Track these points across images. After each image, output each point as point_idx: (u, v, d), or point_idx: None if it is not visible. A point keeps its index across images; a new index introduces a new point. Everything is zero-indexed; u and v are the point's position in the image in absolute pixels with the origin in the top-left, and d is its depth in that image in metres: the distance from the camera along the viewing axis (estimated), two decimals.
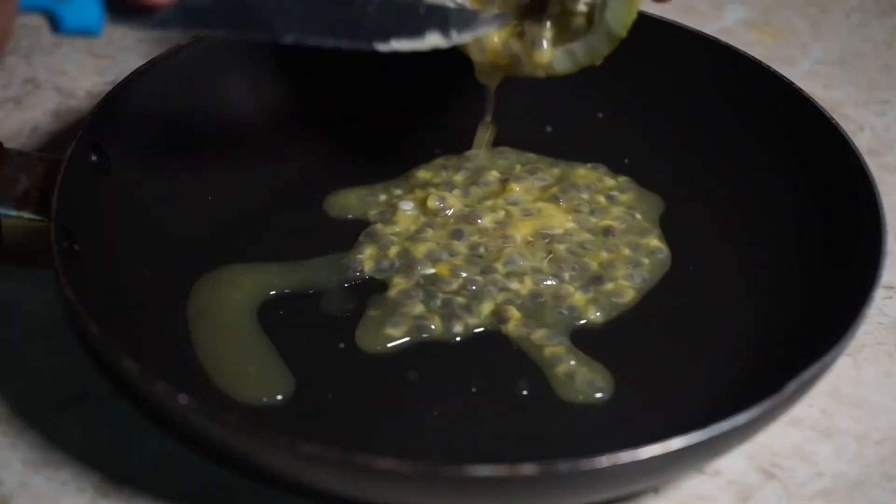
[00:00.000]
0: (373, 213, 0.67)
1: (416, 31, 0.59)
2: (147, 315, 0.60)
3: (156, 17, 0.50)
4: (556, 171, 0.69)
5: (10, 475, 0.57)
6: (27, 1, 0.46)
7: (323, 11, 0.54)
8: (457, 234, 0.65)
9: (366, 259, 0.64)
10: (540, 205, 0.67)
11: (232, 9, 0.52)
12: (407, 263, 0.64)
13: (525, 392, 0.59)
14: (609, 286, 0.63)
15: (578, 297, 0.63)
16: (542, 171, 0.69)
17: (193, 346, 0.60)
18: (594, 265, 0.64)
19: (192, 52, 0.68)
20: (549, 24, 0.62)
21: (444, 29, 0.59)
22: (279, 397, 0.58)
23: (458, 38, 0.60)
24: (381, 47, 0.58)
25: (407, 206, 0.67)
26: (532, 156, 0.70)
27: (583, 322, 0.62)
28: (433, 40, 0.59)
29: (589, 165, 0.70)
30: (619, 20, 0.61)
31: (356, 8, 0.56)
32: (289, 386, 0.59)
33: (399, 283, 0.63)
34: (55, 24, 0.47)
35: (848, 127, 0.67)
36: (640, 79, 0.71)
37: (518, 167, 0.70)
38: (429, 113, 0.72)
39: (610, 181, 0.69)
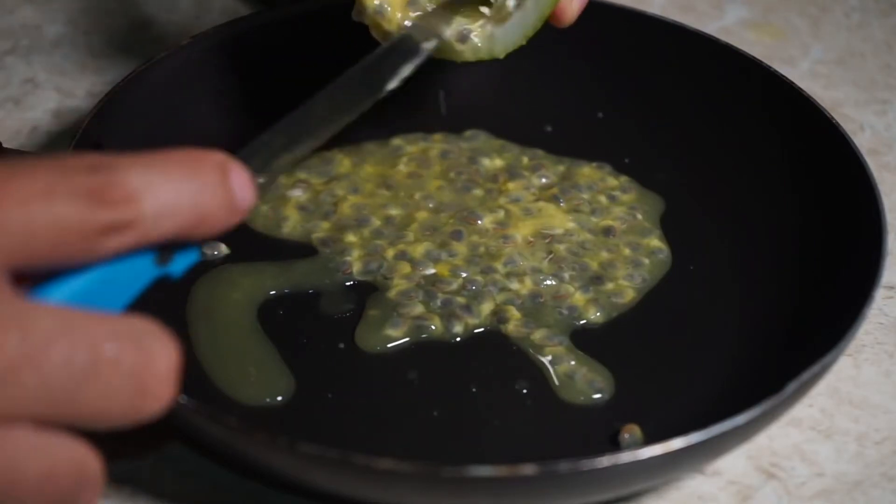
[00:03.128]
0: (264, 209, 0.67)
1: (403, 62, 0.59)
2: (147, 315, 0.60)
3: None
4: (561, 168, 0.69)
5: None
6: (135, 293, 0.46)
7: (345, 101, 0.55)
8: (456, 235, 0.65)
9: (353, 261, 0.64)
10: (540, 204, 0.67)
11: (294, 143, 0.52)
12: (393, 265, 0.64)
13: (525, 392, 0.59)
14: (609, 286, 0.63)
15: (578, 297, 0.63)
16: (545, 168, 0.69)
17: (193, 347, 0.60)
18: (594, 265, 0.64)
19: (191, 52, 0.68)
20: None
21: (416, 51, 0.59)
22: (279, 398, 0.58)
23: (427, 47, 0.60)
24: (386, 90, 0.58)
25: (296, 193, 0.67)
26: (539, 151, 0.71)
27: (583, 322, 0.62)
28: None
29: (594, 164, 0.70)
30: (529, 24, 0.60)
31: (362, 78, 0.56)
32: (289, 386, 0.59)
33: (399, 284, 0.63)
34: (164, 277, 0.47)
35: (848, 127, 0.67)
36: (640, 79, 0.71)
37: (525, 159, 0.70)
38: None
39: (612, 181, 0.69)
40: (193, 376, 0.58)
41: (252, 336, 0.61)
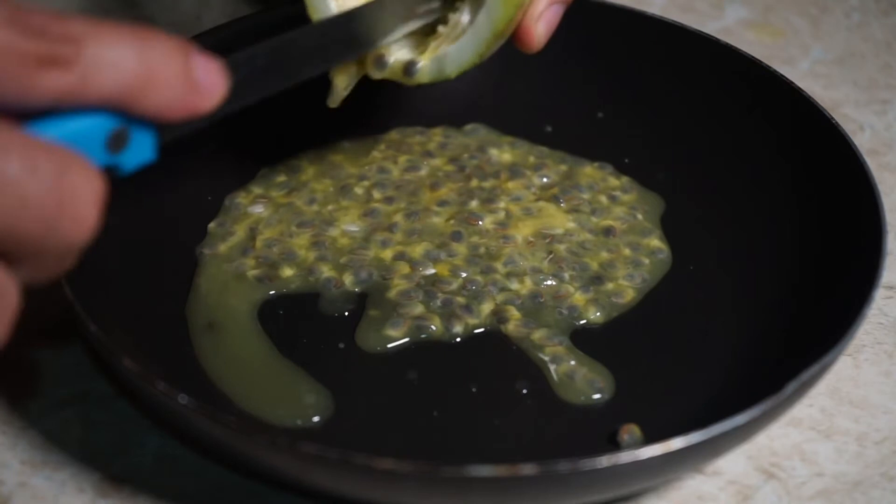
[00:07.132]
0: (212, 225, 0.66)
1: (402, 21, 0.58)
2: (147, 315, 0.60)
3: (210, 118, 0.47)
4: (564, 167, 0.69)
5: (10, 475, 0.57)
6: None
7: (339, 38, 0.55)
8: (455, 236, 0.65)
9: (336, 275, 0.63)
10: (541, 204, 0.67)
11: (273, 67, 0.51)
12: (392, 266, 0.63)
13: (525, 392, 0.59)
14: (609, 286, 0.63)
15: (578, 297, 0.63)
16: (548, 167, 0.69)
17: (193, 346, 0.60)
18: (594, 265, 0.64)
19: None
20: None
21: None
22: (316, 418, 0.57)
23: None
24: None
25: (258, 209, 0.66)
26: (544, 149, 0.71)
27: (583, 322, 0.62)
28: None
29: (596, 164, 0.70)
30: (482, 42, 0.58)
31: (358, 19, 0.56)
32: (325, 404, 0.58)
33: (399, 284, 0.63)
34: (114, 174, 0.44)
35: (848, 127, 0.67)
36: (641, 79, 0.71)
37: (531, 158, 0.70)
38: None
39: (614, 181, 0.69)
40: (193, 376, 0.59)
41: (253, 337, 0.60)
